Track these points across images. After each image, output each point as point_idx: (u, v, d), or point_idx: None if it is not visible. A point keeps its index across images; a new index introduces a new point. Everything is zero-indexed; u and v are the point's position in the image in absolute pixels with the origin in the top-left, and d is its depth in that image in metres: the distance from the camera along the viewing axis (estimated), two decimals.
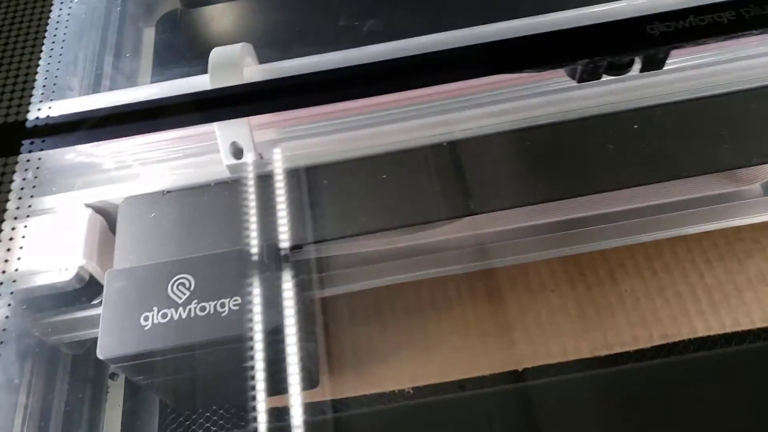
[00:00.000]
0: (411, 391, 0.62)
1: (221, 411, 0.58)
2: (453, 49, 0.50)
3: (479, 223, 0.63)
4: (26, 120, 0.51)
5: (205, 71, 0.52)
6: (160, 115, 0.52)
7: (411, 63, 0.51)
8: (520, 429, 0.58)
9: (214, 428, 0.58)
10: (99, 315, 0.55)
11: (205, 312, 0.46)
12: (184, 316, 0.46)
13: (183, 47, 0.79)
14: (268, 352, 0.48)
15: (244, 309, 0.46)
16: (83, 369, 0.62)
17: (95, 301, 0.55)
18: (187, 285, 0.47)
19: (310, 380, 0.58)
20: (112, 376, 0.68)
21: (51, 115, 0.51)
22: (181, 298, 0.46)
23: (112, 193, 0.54)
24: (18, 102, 0.52)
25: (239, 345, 0.46)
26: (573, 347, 0.62)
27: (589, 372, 0.61)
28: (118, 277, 0.48)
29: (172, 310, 0.46)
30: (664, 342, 0.62)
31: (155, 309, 0.46)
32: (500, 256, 0.64)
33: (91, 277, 0.53)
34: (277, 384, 0.57)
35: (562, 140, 0.55)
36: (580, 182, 0.55)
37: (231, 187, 0.54)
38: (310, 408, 0.62)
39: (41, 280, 0.51)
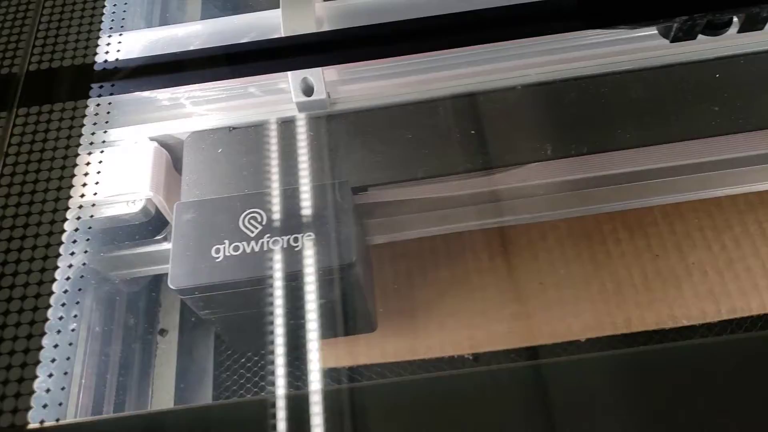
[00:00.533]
0: (471, 358, 0.60)
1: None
2: (543, 2, 0.47)
3: (542, 173, 0.60)
4: (95, 63, 0.49)
5: None
6: (231, 63, 0.50)
7: (494, 15, 0.48)
8: (579, 401, 0.56)
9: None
10: (160, 251, 0.54)
11: (279, 246, 0.45)
12: (257, 249, 0.45)
13: None
14: (337, 290, 0.47)
15: (318, 244, 0.45)
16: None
17: (158, 237, 0.54)
18: (259, 219, 0.46)
19: (369, 324, 0.58)
20: (162, 332, 0.67)
21: (120, 52, 0.49)
22: (253, 232, 0.46)
23: (178, 128, 0.53)
24: (85, 45, 0.50)
25: (315, 279, 0.45)
26: (638, 319, 0.61)
27: (652, 346, 0.60)
28: (188, 209, 0.47)
29: (245, 243, 0.45)
30: (732, 317, 0.60)
31: (227, 242, 0.45)
32: (562, 207, 0.62)
33: (157, 210, 0.52)
34: (338, 324, 0.56)
35: (639, 87, 0.53)
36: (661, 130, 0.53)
37: (298, 124, 0.52)
38: (365, 369, 0.61)
39: (108, 213, 0.50)
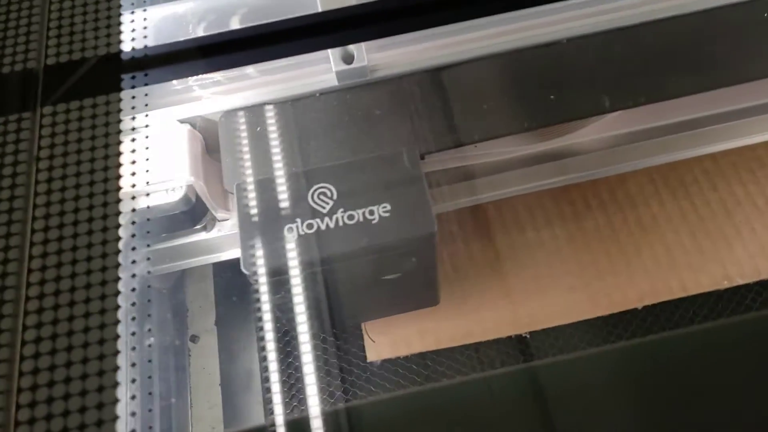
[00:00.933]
0: (528, 336, 0.58)
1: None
2: None
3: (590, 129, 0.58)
4: (121, 51, 0.44)
5: None
6: (269, 43, 0.46)
7: None
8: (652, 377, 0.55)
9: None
10: (202, 242, 0.50)
11: (354, 220, 0.42)
12: (332, 225, 0.42)
13: None
14: (414, 263, 0.45)
15: (397, 215, 0.42)
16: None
17: (198, 226, 0.50)
18: (329, 194, 0.43)
19: (434, 298, 0.56)
20: (193, 338, 0.63)
21: (146, 38, 0.44)
22: (325, 208, 0.43)
23: (210, 108, 0.49)
24: (107, 23, 0.45)
25: (392, 254, 0.43)
26: (693, 281, 0.59)
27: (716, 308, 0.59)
28: (250, 189, 0.44)
29: (318, 220, 0.42)
30: None
31: (299, 220, 0.42)
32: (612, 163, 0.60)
33: (197, 197, 0.48)
34: (409, 299, 0.54)
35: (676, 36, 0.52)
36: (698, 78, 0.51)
37: (339, 95, 0.49)
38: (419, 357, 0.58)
39: (148, 204, 0.46)
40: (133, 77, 0.44)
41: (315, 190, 0.43)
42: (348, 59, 0.49)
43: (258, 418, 0.56)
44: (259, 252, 0.41)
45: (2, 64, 0.45)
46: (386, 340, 0.58)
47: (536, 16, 0.52)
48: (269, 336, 0.50)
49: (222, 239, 0.51)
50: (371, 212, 0.42)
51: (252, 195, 0.43)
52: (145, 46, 0.45)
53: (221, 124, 0.49)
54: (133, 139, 0.42)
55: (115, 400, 0.33)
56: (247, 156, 0.47)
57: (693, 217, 0.62)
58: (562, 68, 0.50)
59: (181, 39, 0.45)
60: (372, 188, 0.43)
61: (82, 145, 0.41)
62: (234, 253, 0.52)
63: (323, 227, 0.42)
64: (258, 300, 0.46)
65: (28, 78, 0.44)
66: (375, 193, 0.43)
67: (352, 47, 0.48)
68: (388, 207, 0.43)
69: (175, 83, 0.49)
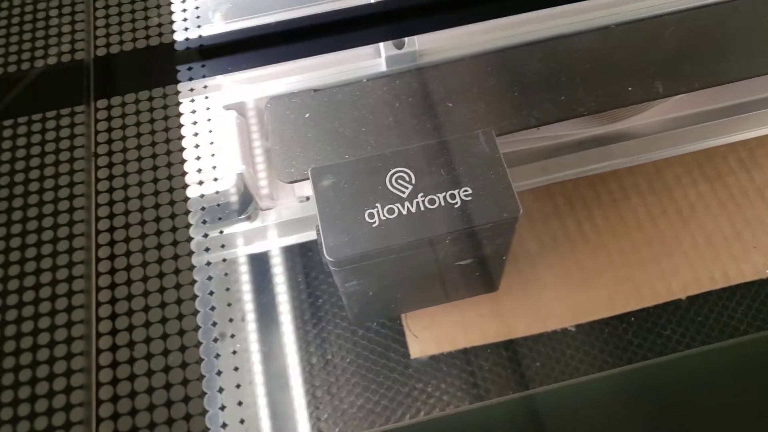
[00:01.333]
0: (574, 329, 0.58)
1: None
2: None
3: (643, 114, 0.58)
4: (174, 42, 0.42)
5: None
6: (324, 34, 0.44)
7: None
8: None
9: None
10: (247, 232, 0.49)
11: (436, 204, 0.41)
12: (413, 210, 0.41)
13: None
14: (495, 247, 0.44)
15: (479, 199, 0.41)
16: None
17: (243, 216, 0.49)
18: (407, 178, 0.42)
19: (494, 284, 0.56)
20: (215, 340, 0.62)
21: (200, 27, 0.42)
22: (404, 192, 0.42)
23: (255, 93, 0.47)
24: (157, 12, 0.43)
25: (476, 237, 0.42)
26: (735, 271, 0.59)
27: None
28: (325, 174, 0.42)
29: (398, 204, 0.41)
30: None
31: (378, 205, 0.41)
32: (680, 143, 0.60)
33: (245, 186, 0.47)
34: (478, 285, 0.54)
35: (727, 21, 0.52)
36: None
37: (389, 80, 0.48)
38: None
39: (201, 192, 0.44)
40: (190, 68, 0.42)
41: (393, 174, 0.42)
42: (399, 44, 0.48)
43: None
44: (341, 238, 0.40)
45: (48, 55, 0.43)
46: (430, 336, 0.57)
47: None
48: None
49: (266, 229, 0.50)
50: (452, 196, 0.42)
51: (330, 180, 0.42)
52: (200, 36, 0.43)
53: (268, 110, 0.47)
54: (193, 126, 0.41)
55: (202, 393, 0.32)
56: (301, 143, 0.46)
57: (732, 206, 0.62)
58: (614, 54, 0.50)
59: (235, 29, 0.43)
60: (451, 172, 0.42)
61: (142, 140, 0.40)
62: (279, 242, 0.51)
63: (404, 212, 0.41)
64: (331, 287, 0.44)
65: (79, 70, 0.42)
66: (454, 177, 0.42)
67: None
68: (470, 190, 0.42)
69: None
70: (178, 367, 0.32)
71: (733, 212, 0.62)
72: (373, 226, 0.40)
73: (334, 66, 0.49)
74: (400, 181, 0.42)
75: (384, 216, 0.41)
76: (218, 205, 0.45)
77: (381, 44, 0.48)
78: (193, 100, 0.41)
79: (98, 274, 0.34)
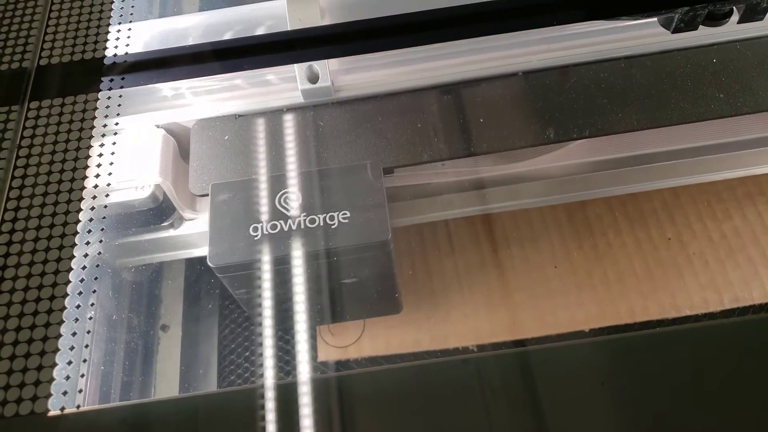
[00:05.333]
0: (474, 349, 0.61)
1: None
2: None
3: (544, 158, 0.61)
4: (104, 56, 0.49)
5: None
6: (239, 56, 0.50)
7: (502, 6, 0.49)
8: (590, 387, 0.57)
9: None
10: (168, 238, 0.55)
11: (315, 224, 0.46)
12: (294, 227, 0.46)
13: None
14: (371, 269, 0.48)
15: (354, 222, 0.46)
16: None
17: (165, 223, 0.54)
18: (295, 198, 0.47)
19: (396, 306, 0.59)
20: (163, 327, 0.67)
21: (129, 50, 0.49)
22: (289, 211, 0.46)
23: (185, 115, 0.53)
24: (95, 40, 0.50)
25: (351, 257, 0.46)
26: (641, 308, 0.61)
27: (656, 332, 0.61)
28: (223, 190, 0.48)
29: (281, 221, 0.46)
30: (735, 305, 0.61)
31: (264, 221, 0.46)
32: (561, 192, 0.62)
33: (165, 196, 0.52)
34: (370, 305, 0.57)
35: (633, 74, 0.55)
36: (653, 114, 0.54)
37: (304, 111, 0.53)
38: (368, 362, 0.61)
39: (117, 199, 0.50)
40: (111, 80, 0.49)
41: (282, 194, 0.47)
42: (313, 79, 0.53)
43: None
44: (224, 247, 0.45)
45: (1, 62, 0.50)
46: (339, 342, 0.62)
47: (496, 49, 0.56)
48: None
49: (189, 237, 0.55)
50: (332, 218, 0.46)
51: (226, 194, 0.47)
52: (126, 53, 0.50)
53: (193, 131, 0.53)
54: (115, 134, 0.47)
55: (54, 364, 0.37)
56: (216, 161, 0.51)
57: (648, 246, 0.64)
58: (509, 101, 0.54)
59: (157, 48, 0.50)
60: (335, 196, 0.47)
61: (58, 137, 0.46)
62: (201, 251, 0.57)
63: (286, 228, 0.46)
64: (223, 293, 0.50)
65: (22, 75, 0.49)
66: (336, 201, 0.47)
67: (317, 67, 0.52)
68: (348, 214, 0.46)
69: (158, 91, 0.54)
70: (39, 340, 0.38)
71: (648, 252, 0.64)
72: (255, 239, 0.45)
73: (260, 96, 0.55)
74: (288, 200, 0.47)
75: (267, 231, 0.46)
76: (136, 211, 0.51)
77: (297, 78, 0.52)
78: (108, 107, 0.48)
79: None
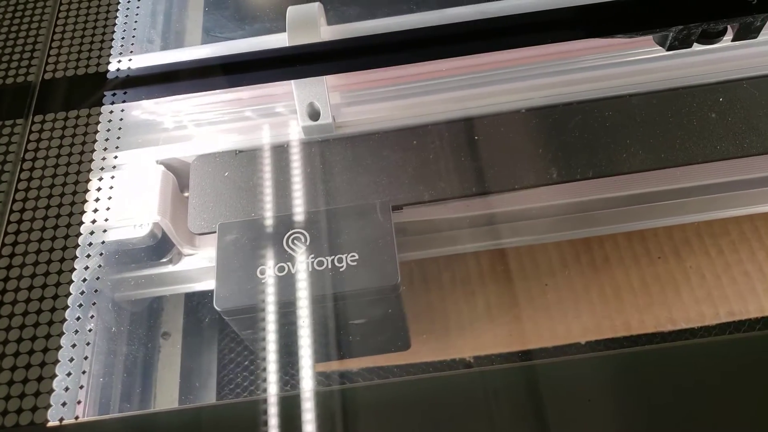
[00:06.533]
0: (471, 360, 0.61)
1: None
2: (542, 12, 0.49)
3: (546, 195, 0.62)
4: (107, 71, 0.50)
5: None
6: (239, 71, 0.51)
7: (498, 25, 0.50)
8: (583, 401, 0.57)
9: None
10: (167, 274, 0.55)
11: (323, 267, 0.45)
12: (302, 270, 0.45)
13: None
14: (380, 310, 0.48)
15: (363, 265, 0.45)
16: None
17: (164, 259, 0.55)
18: (303, 239, 0.47)
19: (405, 343, 0.59)
20: (164, 335, 0.68)
21: (131, 61, 0.50)
22: (296, 253, 0.46)
23: (185, 151, 0.53)
24: (98, 55, 0.51)
25: (359, 300, 0.46)
26: (637, 321, 0.62)
27: (652, 347, 0.61)
28: (230, 230, 0.47)
29: (289, 263, 0.45)
30: (730, 320, 0.61)
31: (271, 263, 0.45)
32: (564, 229, 0.63)
33: (163, 233, 0.53)
34: (379, 343, 0.57)
35: (636, 112, 0.54)
36: (654, 156, 0.54)
37: (305, 147, 0.53)
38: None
39: (114, 236, 0.51)
40: (114, 94, 0.49)
41: (290, 235, 0.47)
42: (314, 116, 0.52)
43: None
44: (230, 290, 0.44)
45: (7, 75, 0.51)
46: None
47: (496, 82, 0.55)
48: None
49: (187, 273, 0.55)
50: (340, 260, 0.45)
51: (232, 235, 0.47)
52: (129, 68, 0.51)
53: (193, 166, 0.53)
54: (114, 167, 0.47)
55: (54, 375, 0.38)
56: (216, 198, 0.51)
57: (645, 260, 0.65)
58: (512, 138, 0.53)
59: (159, 63, 0.51)
60: (343, 237, 0.46)
61: (61, 150, 0.47)
62: (200, 285, 0.56)
63: (293, 271, 0.45)
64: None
65: (27, 89, 0.50)
66: (345, 242, 0.46)
67: (318, 104, 0.52)
68: (356, 256, 0.46)
69: (156, 125, 0.54)
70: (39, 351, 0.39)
71: (645, 266, 0.64)
72: (262, 281, 0.45)
73: (259, 131, 0.55)
74: (295, 241, 0.46)
75: (274, 273, 0.45)
76: (137, 249, 0.51)
77: (298, 115, 0.52)
78: (110, 120, 0.48)
79: None
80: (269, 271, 0.45)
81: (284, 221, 0.47)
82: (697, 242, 0.65)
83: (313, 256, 0.46)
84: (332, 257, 0.46)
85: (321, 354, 0.58)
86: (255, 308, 0.45)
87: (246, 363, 0.65)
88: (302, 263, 0.45)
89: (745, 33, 0.48)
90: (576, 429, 0.45)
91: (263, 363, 0.50)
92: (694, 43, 0.50)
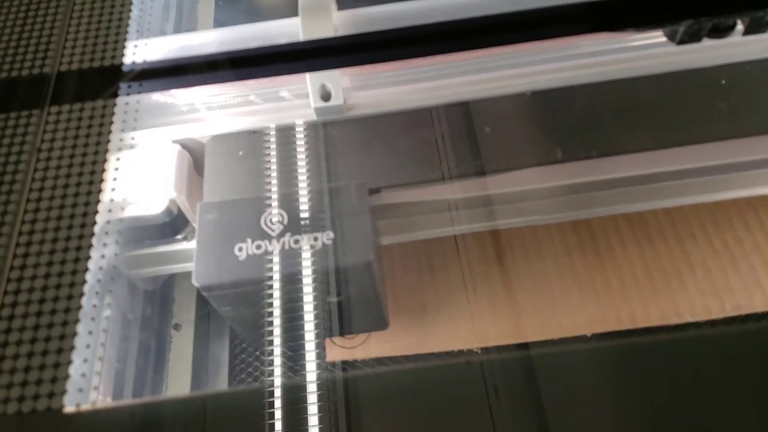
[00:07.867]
0: (479, 351, 0.62)
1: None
2: (552, 7, 0.49)
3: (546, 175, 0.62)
4: (122, 63, 0.51)
5: None
6: (253, 65, 0.52)
7: (508, 19, 0.50)
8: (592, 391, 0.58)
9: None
10: (181, 251, 0.56)
11: (299, 245, 0.47)
12: (278, 248, 0.47)
13: None
14: (354, 288, 0.49)
15: (338, 243, 0.47)
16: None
17: (179, 236, 0.56)
18: (281, 219, 0.48)
19: (382, 322, 0.59)
20: (176, 326, 0.69)
21: (146, 58, 0.51)
22: (274, 231, 0.47)
23: (201, 131, 0.55)
24: (113, 47, 0.52)
25: (335, 277, 0.47)
26: (642, 314, 0.62)
27: (659, 338, 0.61)
28: (210, 210, 0.49)
29: (266, 241, 0.47)
30: (736, 313, 0.62)
31: (249, 241, 0.47)
32: (567, 210, 0.63)
33: (179, 210, 0.54)
34: (355, 321, 0.58)
35: (642, 94, 0.55)
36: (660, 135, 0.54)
37: (316, 128, 0.54)
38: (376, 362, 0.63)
39: (132, 212, 0.52)
40: (129, 86, 0.50)
41: (269, 215, 0.48)
42: (326, 97, 0.53)
43: None
44: (209, 267, 0.46)
45: (23, 67, 0.52)
46: (347, 343, 0.63)
47: (503, 67, 0.56)
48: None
49: None
50: (316, 238, 0.47)
51: (213, 214, 0.49)
52: (144, 60, 0.51)
53: (208, 146, 0.55)
54: (131, 148, 0.49)
55: (70, 362, 0.39)
56: (222, 177, 0.53)
57: (650, 253, 0.65)
58: (517, 119, 0.54)
59: (173, 57, 0.51)
60: (321, 216, 0.48)
61: (77, 141, 0.48)
62: None
63: (270, 249, 0.47)
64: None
65: (44, 80, 0.51)
66: (323, 221, 0.48)
67: (329, 86, 0.53)
68: (332, 235, 0.47)
69: (172, 107, 0.55)
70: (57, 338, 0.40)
71: (650, 259, 0.65)
72: (240, 259, 0.47)
73: (273, 112, 0.56)
74: (274, 220, 0.48)
75: (251, 251, 0.47)
76: (148, 226, 0.52)
77: (311, 96, 0.53)
78: (126, 112, 0.49)
79: (11, 268, 0.42)
80: (247, 248, 0.47)
81: (264, 201, 0.49)
82: (702, 235, 0.66)
83: (290, 234, 0.48)
84: (309, 235, 0.48)
85: (293, 332, 0.59)
86: (232, 284, 0.47)
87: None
88: (279, 241, 0.47)
89: (756, 27, 0.49)
90: (583, 417, 0.46)
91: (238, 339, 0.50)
92: (705, 38, 0.50)
